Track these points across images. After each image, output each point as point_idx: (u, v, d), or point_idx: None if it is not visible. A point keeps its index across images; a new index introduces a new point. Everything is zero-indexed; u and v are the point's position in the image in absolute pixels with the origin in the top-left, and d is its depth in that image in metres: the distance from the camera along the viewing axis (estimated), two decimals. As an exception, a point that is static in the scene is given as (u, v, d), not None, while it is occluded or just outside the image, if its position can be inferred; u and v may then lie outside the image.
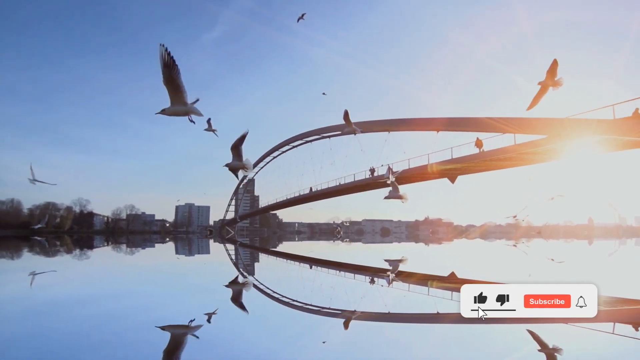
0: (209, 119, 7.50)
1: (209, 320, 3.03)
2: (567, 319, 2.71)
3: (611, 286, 4.74)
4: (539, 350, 2.28)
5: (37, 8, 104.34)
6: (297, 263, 9.33)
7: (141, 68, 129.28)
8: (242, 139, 6.22)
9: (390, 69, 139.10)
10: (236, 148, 6.24)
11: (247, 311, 3.41)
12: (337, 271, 7.14)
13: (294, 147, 41.91)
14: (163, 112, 5.00)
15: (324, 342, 2.51)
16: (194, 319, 3.00)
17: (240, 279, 5.85)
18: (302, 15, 20.79)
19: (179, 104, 4.89)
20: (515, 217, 18.47)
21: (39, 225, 44.54)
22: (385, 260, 9.40)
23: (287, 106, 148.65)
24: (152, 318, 3.09)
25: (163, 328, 2.73)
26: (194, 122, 5.32)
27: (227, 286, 5.04)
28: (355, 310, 3.43)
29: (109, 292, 4.51)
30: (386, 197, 11.60)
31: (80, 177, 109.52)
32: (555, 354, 2.24)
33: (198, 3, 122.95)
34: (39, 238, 27.48)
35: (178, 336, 2.55)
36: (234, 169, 6.45)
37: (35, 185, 13.85)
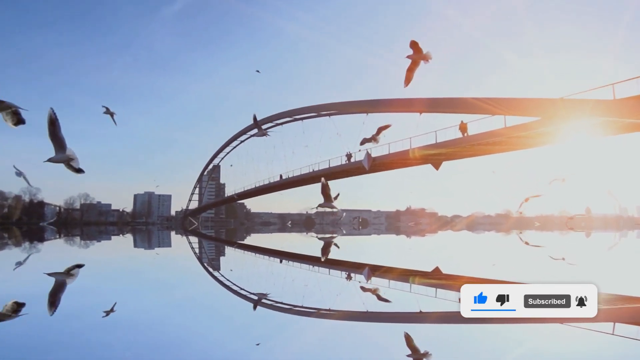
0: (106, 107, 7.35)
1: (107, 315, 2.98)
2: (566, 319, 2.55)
3: (611, 283, 4.51)
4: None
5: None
6: (266, 257, 9.19)
7: (95, 45, 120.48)
8: (53, 122, 5.29)
9: (369, 45, 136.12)
10: (55, 137, 5.39)
11: (54, 310, 3.25)
12: (310, 266, 7.05)
13: None
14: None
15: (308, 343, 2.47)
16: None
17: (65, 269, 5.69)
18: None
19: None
20: (527, 200, 17.28)
21: None
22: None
23: (255, 86, 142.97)
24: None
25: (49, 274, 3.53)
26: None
27: (49, 274, 5.03)
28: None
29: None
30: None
31: (30, 163, 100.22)
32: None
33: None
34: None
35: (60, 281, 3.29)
36: (58, 163, 5.87)
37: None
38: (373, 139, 11.63)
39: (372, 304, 3.53)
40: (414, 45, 9.47)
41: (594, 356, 2.19)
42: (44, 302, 3.40)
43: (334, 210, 10.27)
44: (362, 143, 13.44)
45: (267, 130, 39.56)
